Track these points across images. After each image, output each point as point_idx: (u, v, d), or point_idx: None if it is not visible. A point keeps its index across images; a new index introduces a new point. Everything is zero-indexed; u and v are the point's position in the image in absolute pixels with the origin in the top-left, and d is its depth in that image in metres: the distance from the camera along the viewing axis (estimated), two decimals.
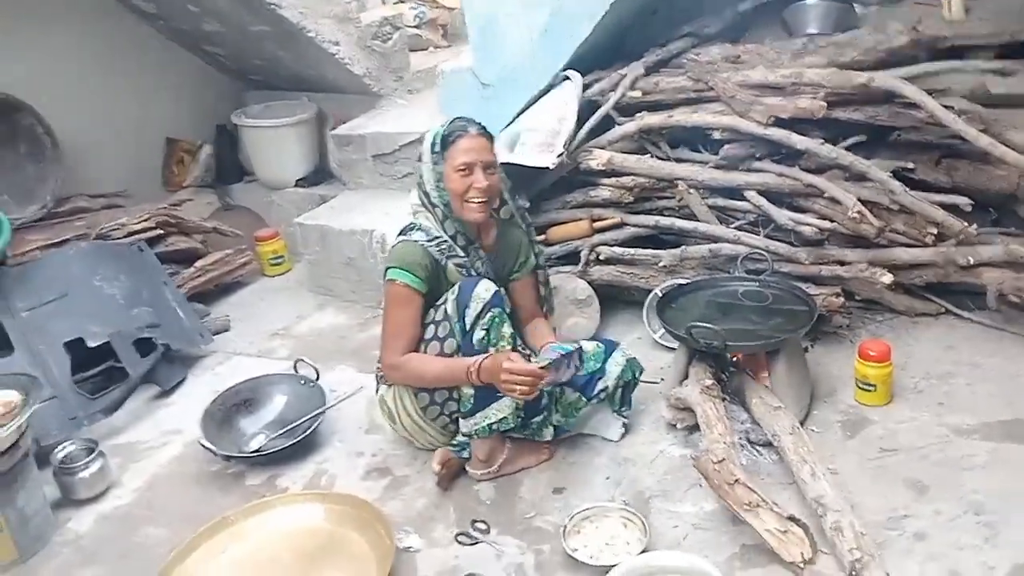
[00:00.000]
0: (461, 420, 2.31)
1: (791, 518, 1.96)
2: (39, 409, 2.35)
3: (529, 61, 3.07)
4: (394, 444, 2.60)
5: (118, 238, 3.30)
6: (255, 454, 2.55)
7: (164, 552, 2.26)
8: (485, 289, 2.22)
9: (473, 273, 2.34)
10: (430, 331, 2.28)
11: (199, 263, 3.55)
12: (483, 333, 2.21)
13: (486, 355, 2.19)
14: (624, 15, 3.03)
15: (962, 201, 2.55)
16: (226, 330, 3.43)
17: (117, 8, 3.90)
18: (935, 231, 2.58)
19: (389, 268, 2.29)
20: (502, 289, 2.29)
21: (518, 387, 2.12)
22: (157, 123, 4.10)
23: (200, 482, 2.57)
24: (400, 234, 2.38)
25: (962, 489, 2.08)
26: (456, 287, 2.26)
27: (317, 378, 2.76)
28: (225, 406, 2.70)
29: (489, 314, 2.21)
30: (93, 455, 2.52)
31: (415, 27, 4.34)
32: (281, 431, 2.62)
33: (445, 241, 2.31)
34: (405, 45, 3.93)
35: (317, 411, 2.61)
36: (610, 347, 2.44)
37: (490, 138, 2.35)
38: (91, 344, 2.86)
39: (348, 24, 3.61)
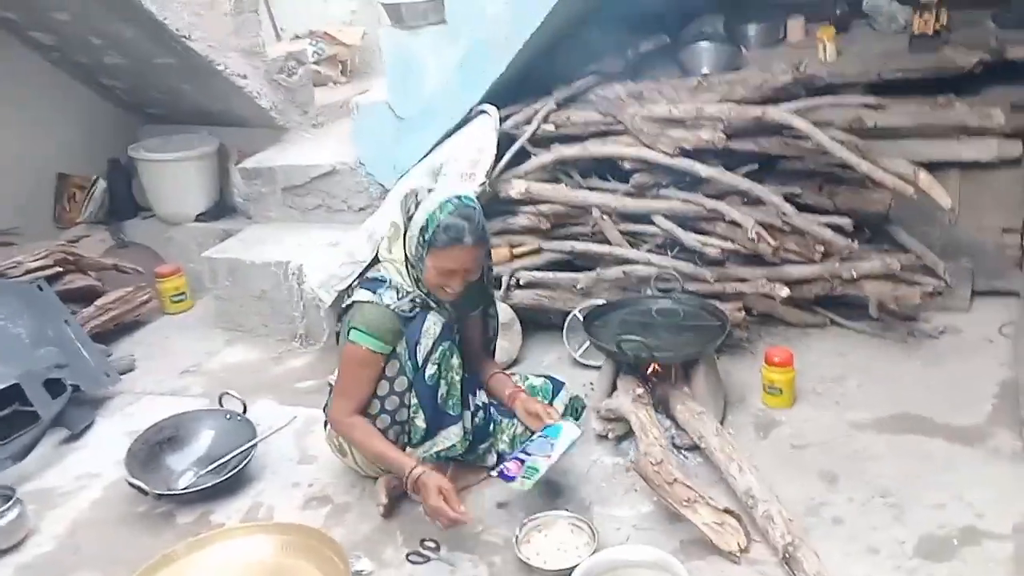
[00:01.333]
0: (409, 448, 2.35)
1: (726, 510, 2.13)
2: None
3: (445, 95, 3.18)
4: (330, 473, 2.60)
5: (15, 276, 3.15)
6: (188, 491, 2.49)
7: None
8: (433, 324, 2.26)
9: None
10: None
11: (99, 301, 3.43)
12: (434, 368, 2.25)
13: (426, 470, 2.19)
14: (533, 53, 3.20)
15: (844, 222, 2.83)
16: (131, 370, 3.31)
17: (6, 38, 3.73)
18: (822, 249, 2.85)
19: (355, 329, 2.22)
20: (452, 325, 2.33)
21: (440, 518, 2.14)
22: (47, 158, 3.92)
23: (127, 524, 2.49)
24: (366, 287, 2.29)
25: (867, 476, 2.32)
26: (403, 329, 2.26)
27: (244, 411, 2.72)
28: (148, 444, 2.62)
29: (439, 348, 2.25)
30: (10, 502, 2.39)
31: (314, 63, 4.36)
32: (211, 466, 2.57)
33: (418, 296, 2.27)
34: (310, 80, 3.96)
35: (250, 443, 2.58)
36: (557, 385, 2.56)
37: (484, 243, 2.24)
38: None
39: (255, 58, 3.62)
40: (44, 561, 2.36)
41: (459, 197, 2.23)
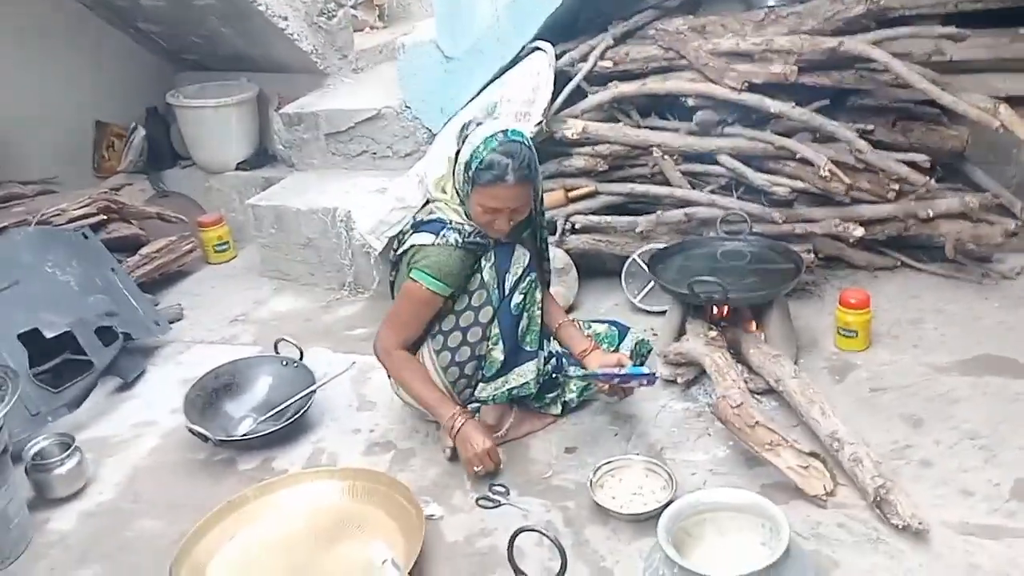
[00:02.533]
0: (481, 384, 2.28)
1: (811, 453, 2.05)
2: None
3: (495, 33, 3.06)
4: (390, 419, 2.55)
5: (59, 224, 3.09)
6: (249, 437, 2.44)
7: (165, 544, 2.15)
8: (523, 254, 2.22)
9: None
10: (463, 301, 2.21)
11: (144, 250, 3.37)
12: (520, 298, 2.21)
13: (467, 421, 2.18)
14: None
15: (920, 158, 2.72)
16: (179, 319, 3.26)
17: None
18: (897, 187, 2.74)
19: (418, 270, 2.17)
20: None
21: (477, 466, 2.16)
22: (85, 106, 3.85)
23: (187, 471, 2.45)
24: (422, 230, 2.22)
25: (954, 419, 2.23)
26: (491, 254, 2.20)
27: (301, 357, 2.67)
28: (206, 391, 2.57)
29: (528, 279, 2.21)
30: (70, 450, 2.35)
31: (351, 7, 4.24)
32: (270, 413, 2.52)
33: (478, 232, 2.19)
34: (349, 23, 3.84)
35: (309, 388, 2.52)
36: (622, 331, 2.50)
37: (529, 181, 2.14)
38: (49, 335, 2.67)
39: None
40: (106, 508, 2.33)
41: (505, 132, 2.12)
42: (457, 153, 2.16)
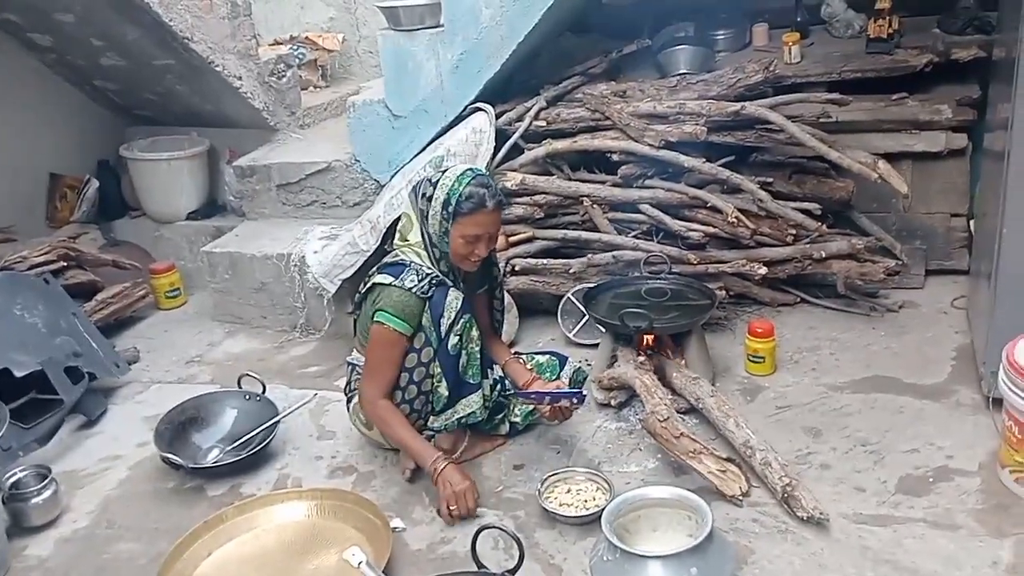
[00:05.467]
0: (432, 416, 2.51)
1: (728, 459, 2.36)
2: None
3: (440, 94, 3.38)
4: (350, 446, 2.76)
5: (21, 270, 3.21)
6: (220, 464, 2.61)
7: (143, 564, 2.31)
8: (455, 298, 2.42)
9: None
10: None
11: (100, 296, 3.51)
12: (456, 339, 2.42)
13: (449, 464, 2.37)
14: (520, 57, 3.42)
15: (813, 207, 3.12)
16: (136, 361, 3.39)
17: (2, 39, 3.80)
18: (794, 232, 3.13)
19: (382, 312, 2.36)
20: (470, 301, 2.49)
21: (452, 505, 2.32)
22: (39, 158, 3.98)
23: (159, 499, 2.60)
24: (384, 271, 2.43)
25: (847, 430, 2.57)
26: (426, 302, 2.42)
27: (263, 391, 2.86)
28: (173, 424, 2.73)
29: (461, 320, 2.42)
30: (46, 481, 2.48)
31: (297, 67, 4.50)
32: (237, 443, 2.70)
33: (436, 276, 2.42)
34: (297, 83, 4.10)
35: (274, 418, 2.71)
36: (561, 360, 2.78)
37: (502, 207, 2.41)
38: (19, 374, 2.79)
39: (249, 60, 3.75)
40: (82, 535, 2.46)
41: (471, 169, 2.42)
42: (429, 199, 2.39)
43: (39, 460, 2.71)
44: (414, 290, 2.39)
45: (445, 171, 2.45)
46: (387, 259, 2.53)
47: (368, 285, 2.50)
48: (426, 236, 2.45)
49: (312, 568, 2.21)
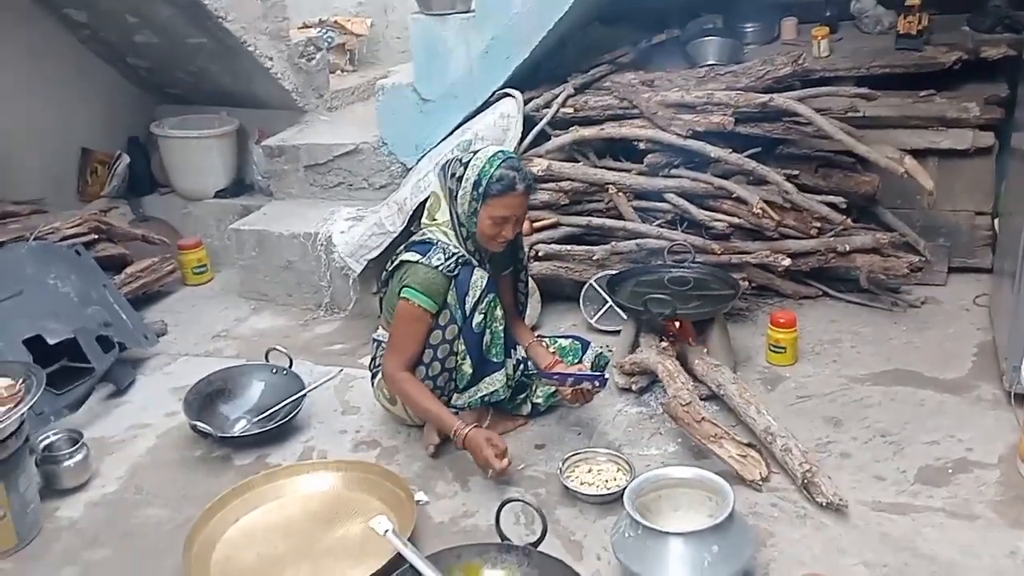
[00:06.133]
0: (456, 394, 2.55)
1: (749, 444, 2.39)
2: None
3: (469, 79, 3.41)
4: (374, 421, 2.80)
5: (53, 241, 3.27)
6: (248, 434, 2.66)
7: (170, 529, 2.36)
8: (480, 277, 2.46)
9: None
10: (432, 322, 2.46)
11: (129, 269, 3.56)
12: (480, 317, 2.46)
13: (471, 427, 2.40)
14: (549, 44, 3.44)
15: (839, 200, 3.14)
16: (164, 333, 3.45)
17: (40, 14, 3.86)
18: (819, 225, 3.15)
19: (408, 288, 2.42)
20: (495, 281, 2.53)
21: (489, 468, 2.35)
22: (73, 133, 4.05)
23: (186, 467, 2.65)
24: (412, 249, 2.49)
25: (868, 421, 2.60)
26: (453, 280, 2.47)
27: (290, 365, 2.90)
28: (201, 395, 2.78)
29: (485, 299, 2.46)
30: (78, 445, 2.53)
31: (326, 51, 4.53)
32: (264, 414, 2.75)
33: (463, 256, 2.47)
34: (326, 65, 4.14)
35: (301, 392, 2.76)
36: (584, 344, 2.80)
37: (530, 191, 2.46)
38: (51, 341, 2.85)
39: (280, 42, 3.79)
40: (111, 499, 2.51)
41: (503, 151, 2.47)
42: (459, 178, 2.43)
43: (70, 426, 2.78)
44: (440, 268, 2.43)
45: (476, 152, 2.48)
46: (415, 237, 2.58)
47: (396, 263, 2.54)
48: (454, 215, 2.49)
49: (337, 537, 2.25)
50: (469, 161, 2.45)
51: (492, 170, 2.39)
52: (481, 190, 2.39)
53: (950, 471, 2.34)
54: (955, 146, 3.29)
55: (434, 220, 2.55)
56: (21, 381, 2.30)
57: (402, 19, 4.72)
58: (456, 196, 2.46)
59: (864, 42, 3.61)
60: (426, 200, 2.66)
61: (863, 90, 3.11)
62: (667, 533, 1.92)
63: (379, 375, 2.65)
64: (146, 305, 3.68)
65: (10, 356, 2.76)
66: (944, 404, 2.64)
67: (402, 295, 2.45)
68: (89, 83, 4.12)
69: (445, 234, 2.51)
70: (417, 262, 2.45)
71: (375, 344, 2.71)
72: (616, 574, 2.06)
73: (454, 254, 2.46)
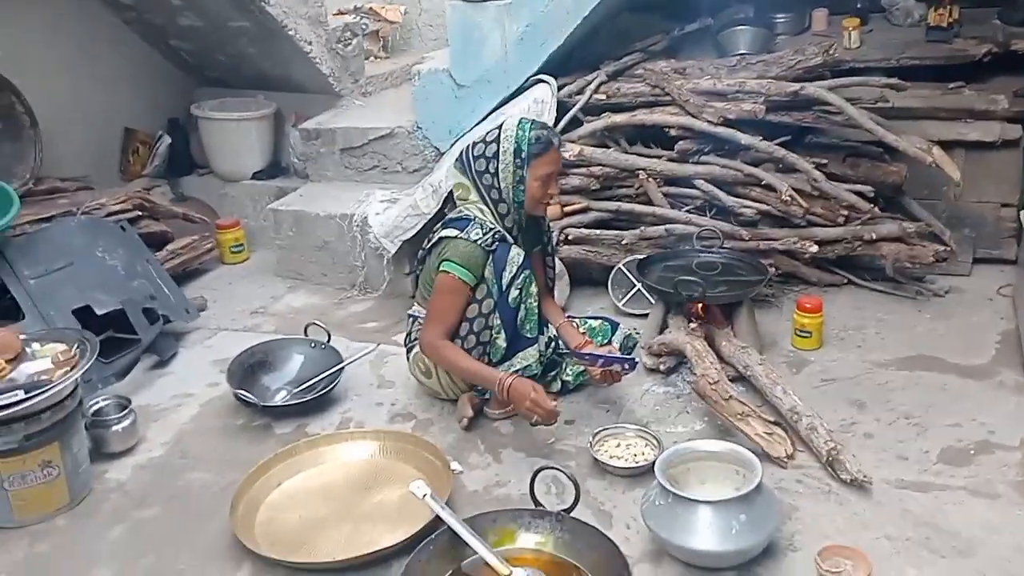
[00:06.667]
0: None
1: (775, 422, 2.45)
2: None
3: (503, 66, 3.48)
4: (408, 395, 2.89)
5: (99, 218, 3.38)
6: (290, 403, 2.76)
7: (215, 491, 2.46)
8: (517, 253, 2.55)
9: None
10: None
11: (170, 246, 3.68)
12: (516, 292, 2.54)
13: (516, 375, 2.49)
14: (582, 33, 3.51)
15: (866, 189, 3.19)
16: (204, 308, 3.55)
17: None
18: (846, 213, 3.20)
19: (448, 261, 2.51)
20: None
21: (536, 415, 2.43)
22: (116, 112, 4.18)
23: (229, 434, 2.75)
24: (450, 225, 2.59)
25: (891, 403, 2.65)
26: (490, 256, 2.55)
27: (328, 340, 3.00)
28: (243, 366, 2.88)
29: (522, 275, 2.55)
30: (126, 410, 2.64)
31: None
32: (304, 385, 2.84)
33: (499, 232, 2.57)
34: (362, 51, 4.23)
35: (340, 364, 2.86)
36: (613, 325, 2.88)
37: (561, 144, 2.66)
38: (99, 312, 2.96)
39: (319, 27, 3.88)
40: (157, 463, 2.62)
41: (524, 118, 2.60)
42: (494, 156, 2.54)
43: (117, 394, 2.89)
44: (479, 242, 2.52)
45: (499, 126, 2.59)
46: (451, 215, 2.67)
47: (434, 240, 2.63)
48: (491, 195, 2.58)
49: (376, 501, 2.34)
50: (496, 137, 2.56)
51: (527, 134, 2.53)
52: (524, 155, 2.52)
53: (972, 452, 2.40)
54: (983, 138, 3.32)
55: (467, 201, 2.63)
56: (76, 346, 2.41)
57: (435, 7, 4.81)
58: (496, 172, 2.55)
59: (894, 34, 3.65)
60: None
61: (893, 80, 3.15)
62: (697, 501, 1.99)
63: (414, 350, 2.74)
64: (185, 282, 3.77)
65: (60, 324, 2.88)
66: (967, 389, 2.69)
67: (442, 268, 2.54)
68: (132, 64, 4.24)
69: (481, 211, 2.60)
70: (456, 237, 2.54)
71: (411, 320, 2.80)
72: (645, 542, 2.14)
73: (491, 229, 2.56)
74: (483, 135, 2.63)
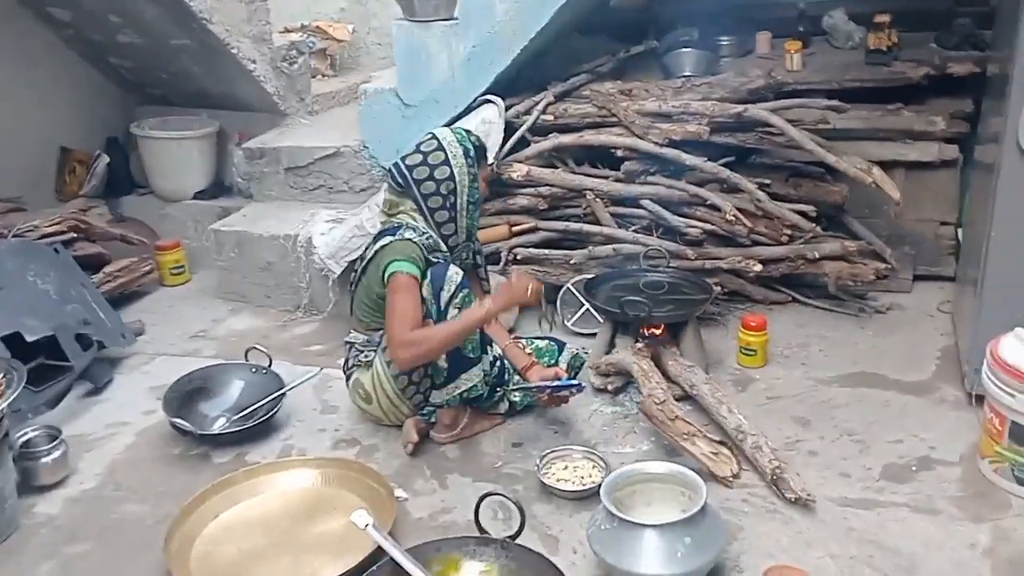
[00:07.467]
0: (434, 391, 2.59)
1: (720, 442, 2.45)
2: None
3: (451, 85, 3.46)
4: (353, 420, 2.83)
5: (32, 240, 3.27)
6: (227, 431, 2.68)
7: (150, 524, 2.38)
8: (455, 272, 2.53)
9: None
10: None
11: (107, 269, 3.57)
12: (456, 311, 2.50)
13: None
14: (529, 53, 3.50)
15: (809, 209, 3.23)
16: (142, 333, 3.45)
17: (23, 13, 3.87)
18: (789, 232, 3.24)
19: (392, 262, 2.50)
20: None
21: (529, 285, 2.56)
22: (50, 131, 4.05)
23: (165, 464, 2.66)
24: (382, 236, 2.59)
25: (835, 420, 2.68)
26: (428, 273, 2.54)
27: (270, 365, 2.93)
28: (181, 392, 2.80)
29: (461, 294, 2.52)
30: (56, 441, 2.54)
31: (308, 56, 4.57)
32: (243, 412, 2.76)
33: (431, 237, 2.59)
34: (308, 70, 4.18)
35: (281, 390, 2.79)
36: (561, 346, 2.87)
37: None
38: (29, 338, 2.84)
39: (263, 45, 3.83)
40: (89, 495, 2.52)
41: (448, 127, 2.78)
42: (443, 163, 2.61)
43: (47, 423, 2.78)
44: (413, 238, 2.56)
45: (434, 139, 2.66)
46: (381, 228, 2.69)
47: (370, 256, 2.61)
48: (429, 203, 2.61)
49: (318, 532, 2.28)
50: (438, 146, 2.63)
51: (467, 137, 2.69)
52: (473, 155, 2.66)
53: (914, 468, 2.42)
54: (921, 158, 3.39)
55: (392, 215, 2.66)
56: (3, 375, 2.31)
57: (383, 26, 4.78)
58: (452, 177, 2.61)
59: (835, 57, 3.71)
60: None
61: (834, 103, 3.21)
62: (642, 525, 1.97)
63: (353, 376, 2.70)
64: (123, 305, 3.66)
65: None
66: (908, 405, 2.73)
67: (389, 272, 2.52)
68: (70, 82, 4.12)
69: (412, 218, 2.63)
70: (391, 241, 2.56)
71: (347, 347, 2.75)
72: (591, 567, 2.12)
73: (424, 232, 2.60)
74: (415, 148, 2.67)
